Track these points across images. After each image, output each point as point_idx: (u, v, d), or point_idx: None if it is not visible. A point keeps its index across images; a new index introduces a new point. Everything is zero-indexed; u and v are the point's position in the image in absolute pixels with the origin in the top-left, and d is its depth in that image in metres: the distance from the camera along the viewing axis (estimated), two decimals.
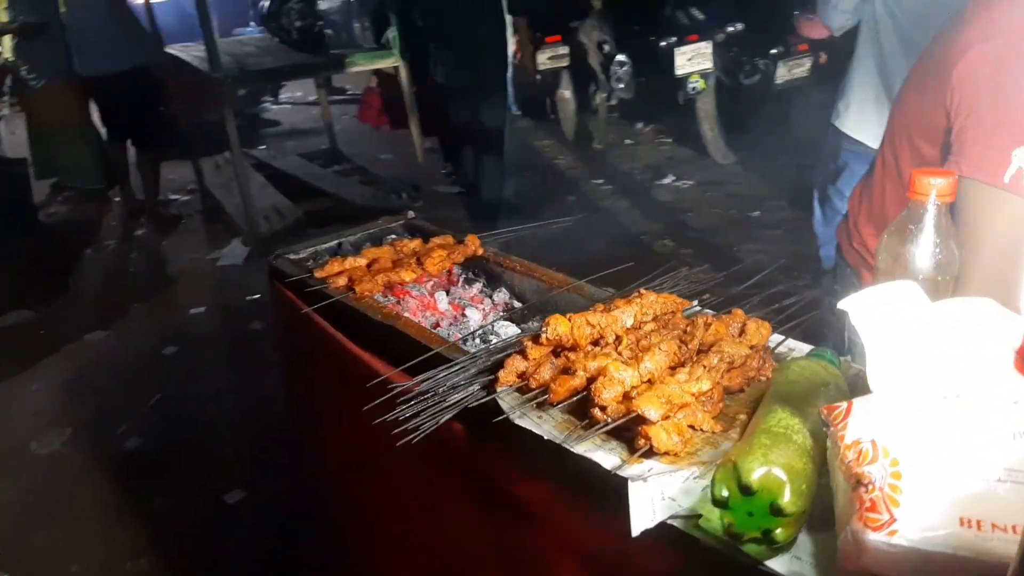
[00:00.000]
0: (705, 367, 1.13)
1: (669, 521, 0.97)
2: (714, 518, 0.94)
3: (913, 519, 0.77)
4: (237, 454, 3.15)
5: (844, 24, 2.69)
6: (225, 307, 4.54)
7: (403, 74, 5.63)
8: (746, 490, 0.88)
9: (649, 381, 1.13)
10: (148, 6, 5.93)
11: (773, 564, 0.88)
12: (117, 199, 5.97)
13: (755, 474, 0.88)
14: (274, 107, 9.53)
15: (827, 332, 1.60)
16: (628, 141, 6.92)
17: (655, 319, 1.29)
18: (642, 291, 1.34)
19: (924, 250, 0.96)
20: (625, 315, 1.26)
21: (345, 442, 1.69)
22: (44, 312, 4.43)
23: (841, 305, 0.90)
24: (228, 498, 2.86)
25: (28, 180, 5.45)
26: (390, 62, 5.66)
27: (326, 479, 1.86)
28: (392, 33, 5.66)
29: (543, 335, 1.22)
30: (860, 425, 0.85)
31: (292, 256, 1.83)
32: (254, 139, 7.56)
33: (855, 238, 1.60)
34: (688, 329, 1.24)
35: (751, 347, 1.19)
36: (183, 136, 6.01)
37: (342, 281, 1.64)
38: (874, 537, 0.77)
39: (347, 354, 1.53)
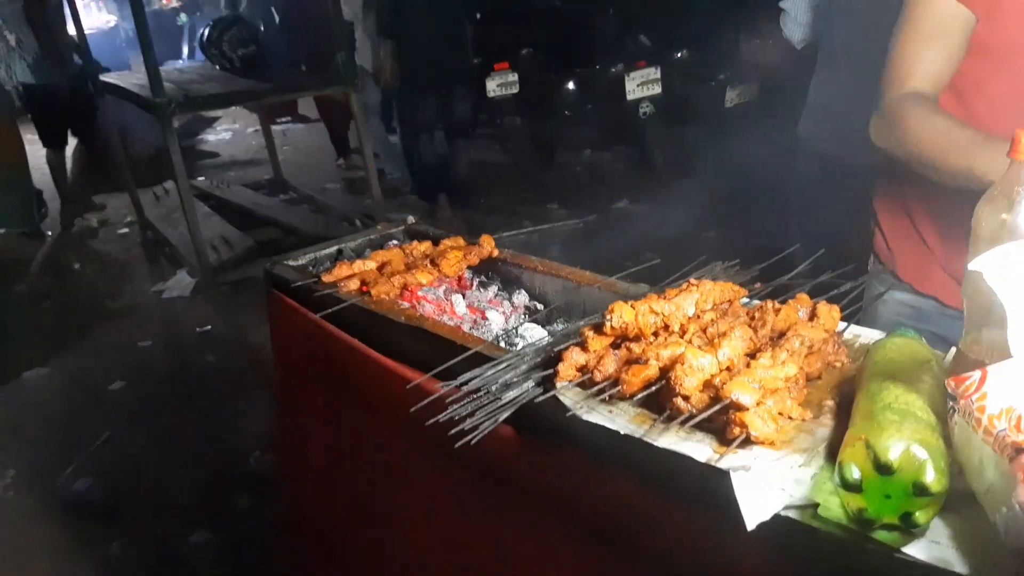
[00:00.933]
0: (788, 351, 1.06)
1: (783, 513, 0.88)
2: (834, 506, 0.87)
3: None
4: (198, 492, 2.93)
5: (805, 37, 2.74)
6: (174, 340, 4.29)
7: (354, 100, 5.52)
8: (884, 469, 0.81)
9: (728, 369, 1.05)
10: (81, 35, 5.74)
11: (911, 551, 0.81)
12: (50, 233, 5.69)
13: (892, 452, 0.81)
14: (211, 139, 9.27)
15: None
16: (579, 167, 6.95)
17: (714, 308, 1.22)
18: (694, 280, 1.27)
19: None
20: (686, 303, 1.18)
21: (366, 458, 1.55)
22: None
23: (973, 265, 0.85)
24: (193, 539, 2.64)
25: None
26: (340, 88, 5.54)
27: (336, 502, 1.70)
28: (341, 59, 5.55)
29: (607, 324, 1.13)
30: (1007, 392, 0.78)
31: (291, 263, 1.70)
32: (193, 170, 7.30)
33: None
34: (757, 315, 1.17)
35: (826, 331, 1.13)
36: (120, 160, 5.80)
37: (354, 285, 1.52)
38: None
39: (368, 362, 1.41)
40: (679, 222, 5.41)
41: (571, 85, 6.39)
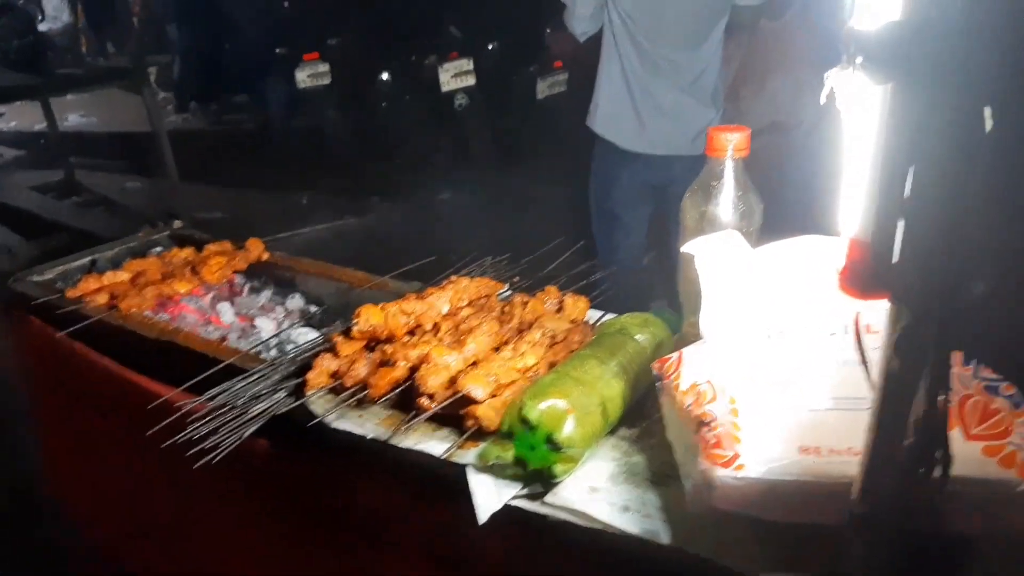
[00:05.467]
0: (529, 343, 1.09)
1: (514, 502, 0.91)
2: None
3: (756, 452, 0.78)
4: None
5: (586, 30, 2.77)
6: None
7: (148, 94, 5.17)
8: (525, 423, 0.90)
9: (475, 364, 1.08)
10: None
11: (623, 525, 0.86)
12: None
13: (533, 409, 0.90)
14: None
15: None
16: (399, 160, 6.88)
17: (470, 304, 1.24)
18: (454, 278, 1.28)
19: (727, 204, 1.00)
20: (440, 302, 1.20)
21: (128, 482, 1.45)
22: None
23: (685, 248, 0.91)
24: None
25: None
26: (127, 83, 5.19)
27: (113, 525, 1.58)
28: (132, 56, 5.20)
29: (354, 328, 1.12)
30: (695, 370, 0.85)
31: (36, 278, 1.55)
32: None
33: None
34: (506, 310, 1.20)
35: (571, 321, 1.18)
36: None
37: (102, 299, 1.41)
38: (722, 473, 0.77)
39: (118, 382, 1.32)
40: (498, 213, 5.51)
41: (385, 76, 6.32)
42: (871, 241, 0.64)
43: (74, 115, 8.48)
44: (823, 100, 0.64)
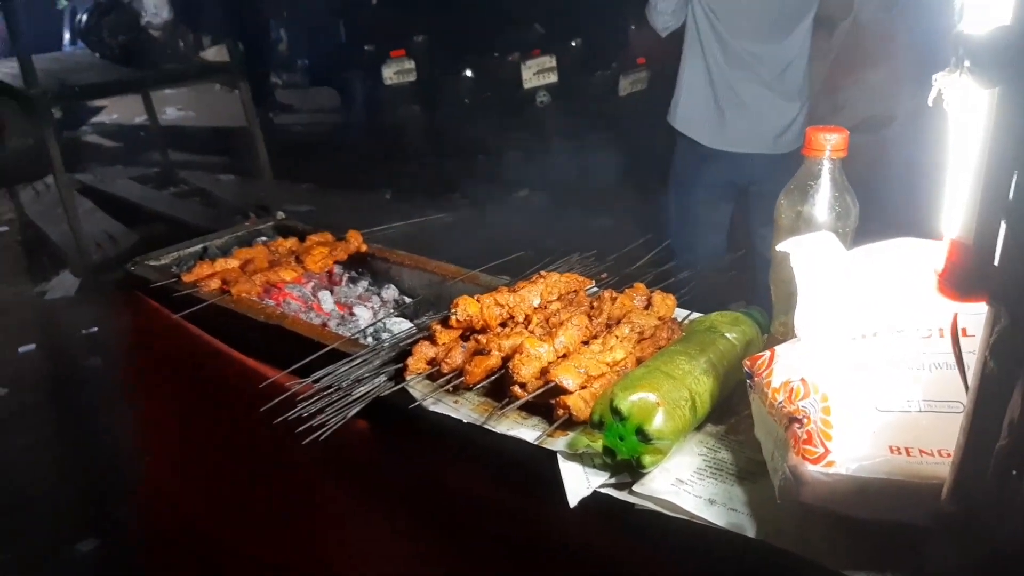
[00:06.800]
0: (617, 337, 1.13)
1: (602, 490, 0.95)
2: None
3: (846, 450, 0.79)
4: (84, 499, 2.85)
5: (667, 25, 2.76)
6: (58, 343, 4.12)
7: (244, 90, 5.39)
8: (616, 414, 0.92)
9: (564, 356, 1.12)
10: None
11: (711, 517, 0.89)
12: None
13: (624, 401, 0.92)
14: (96, 130, 8.84)
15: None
16: (480, 156, 6.96)
17: (560, 298, 1.28)
18: (544, 273, 1.33)
19: (823, 205, 1.01)
20: (532, 295, 1.24)
21: (227, 460, 1.55)
22: None
23: (780, 247, 0.93)
24: (80, 547, 2.57)
25: None
26: (227, 77, 5.42)
27: (202, 503, 1.69)
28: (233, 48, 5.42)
29: (452, 317, 1.17)
30: (787, 367, 0.87)
31: (153, 262, 1.67)
32: (77, 163, 6.96)
33: None
34: (595, 305, 1.24)
35: (659, 318, 1.21)
36: None
37: (215, 284, 1.51)
38: (812, 469, 0.79)
39: (228, 362, 1.41)
40: (577, 210, 5.53)
41: (468, 73, 6.41)
42: (972, 243, 0.65)
43: (172, 109, 8.90)
44: (930, 102, 0.65)
